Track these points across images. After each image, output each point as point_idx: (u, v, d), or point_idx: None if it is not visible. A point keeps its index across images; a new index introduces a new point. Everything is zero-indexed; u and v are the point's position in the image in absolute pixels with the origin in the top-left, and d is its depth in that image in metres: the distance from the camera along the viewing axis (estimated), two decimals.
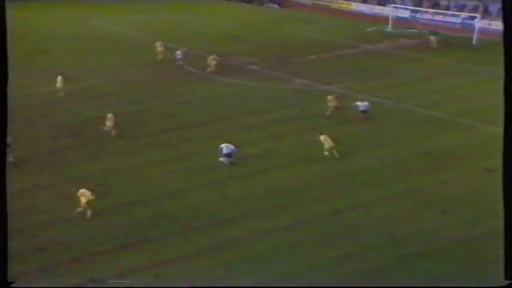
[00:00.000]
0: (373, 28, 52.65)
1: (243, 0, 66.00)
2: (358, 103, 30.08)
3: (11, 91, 12.13)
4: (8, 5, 12.14)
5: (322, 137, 25.73)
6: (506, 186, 9.92)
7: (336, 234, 19.78)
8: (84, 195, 20.78)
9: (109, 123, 27.99)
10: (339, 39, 48.16)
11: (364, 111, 29.83)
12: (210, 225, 20.42)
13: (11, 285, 11.91)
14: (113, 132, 27.89)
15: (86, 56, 41.85)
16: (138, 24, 51.97)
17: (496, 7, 54.72)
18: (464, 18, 52.03)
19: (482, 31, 47.88)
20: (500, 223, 20.27)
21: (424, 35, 49.28)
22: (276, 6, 63.61)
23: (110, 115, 28.15)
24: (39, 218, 20.50)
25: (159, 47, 41.13)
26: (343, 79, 36.83)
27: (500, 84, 42.51)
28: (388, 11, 54.80)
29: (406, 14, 55.21)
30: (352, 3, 62.42)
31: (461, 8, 55.57)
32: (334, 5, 62.91)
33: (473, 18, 50.11)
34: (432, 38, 47.57)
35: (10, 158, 22.02)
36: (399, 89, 35.45)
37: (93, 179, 23.60)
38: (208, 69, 38.68)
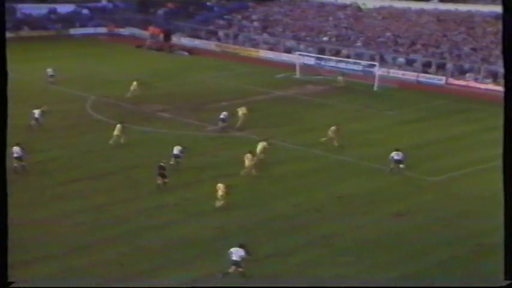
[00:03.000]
0: (281, 75, 53.88)
1: (152, 47, 65.91)
2: (393, 154, 29.55)
3: None
4: None
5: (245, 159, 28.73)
6: (507, 183, 10.22)
7: (254, 283, 19.55)
8: (220, 188, 24.77)
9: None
10: (249, 86, 48.84)
11: (398, 161, 29.44)
12: (123, 279, 19.68)
13: (11, 285, 11.25)
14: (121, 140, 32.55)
15: None
16: (44, 72, 50.28)
17: (390, 56, 57.74)
18: (364, 66, 54.24)
19: (381, 78, 50.16)
20: (415, 267, 20.93)
21: (329, 81, 50.98)
22: (186, 53, 63.86)
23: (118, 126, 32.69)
24: None
25: None
26: (254, 125, 37.20)
27: (404, 129, 44.39)
28: (294, 58, 56.34)
29: (311, 61, 56.94)
30: (260, 51, 63.82)
31: (360, 56, 58.14)
32: (243, 53, 64.02)
33: (373, 66, 52.44)
34: (340, 78, 49.70)
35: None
36: (308, 134, 36.07)
37: None
38: (129, 94, 42.84)
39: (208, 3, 78.78)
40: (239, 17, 72.62)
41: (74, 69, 52.15)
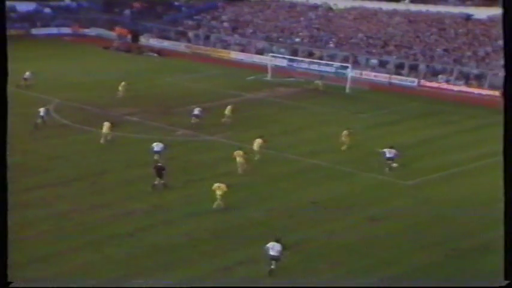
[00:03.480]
0: (252, 77, 53.21)
1: (120, 48, 64.65)
2: (385, 150, 29.96)
3: None
4: None
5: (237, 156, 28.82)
6: (507, 181, 9.82)
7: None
8: (220, 188, 23.81)
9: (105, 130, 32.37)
10: (220, 89, 48.09)
11: (390, 158, 29.80)
12: None
13: (11, 285, 11.13)
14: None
15: None
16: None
17: (364, 57, 57.56)
18: (337, 68, 53.77)
19: (354, 80, 49.82)
20: (390, 272, 20.49)
21: (301, 83, 50.46)
22: (155, 54, 62.82)
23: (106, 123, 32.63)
24: None
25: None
26: (225, 129, 36.55)
27: (378, 131, 44.00)
28: (266, 59, 55.72)
29: (283, 63, 56.41)
30: (232, 52, 63.10)
31: (333, 58, 57.67)
32: (214, 54, 63.25)
33: (346, 67, 52.04)
34: (318, 82, 48.91)
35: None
36: (280, 137, 35.49)
37: None
38: (119, 95, 42.86)
39: (176, 3, 77.70)
40: (208, 17, 71.79)
41: (37, 71, 50.50)
